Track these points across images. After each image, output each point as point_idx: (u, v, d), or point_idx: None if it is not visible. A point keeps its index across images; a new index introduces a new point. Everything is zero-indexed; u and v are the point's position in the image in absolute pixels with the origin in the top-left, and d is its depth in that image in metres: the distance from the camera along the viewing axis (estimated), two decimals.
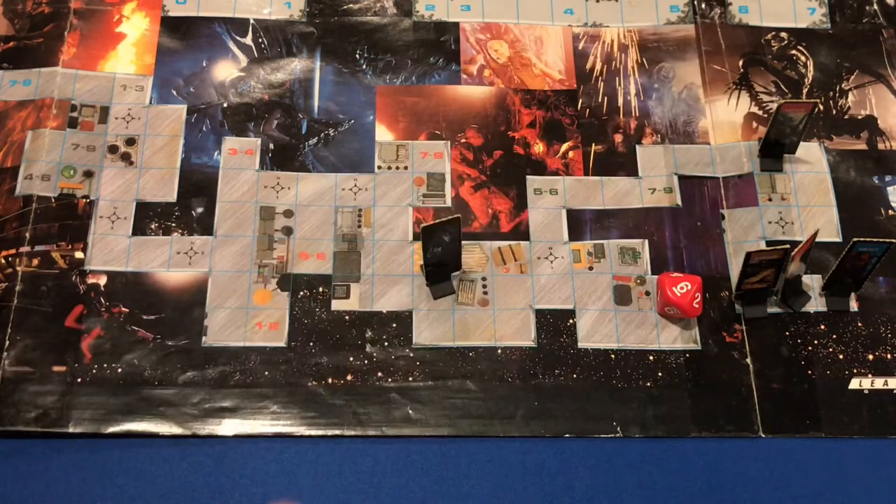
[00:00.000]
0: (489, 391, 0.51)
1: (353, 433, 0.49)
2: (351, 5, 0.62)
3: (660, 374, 0.51)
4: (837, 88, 0.61)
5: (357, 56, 0.60)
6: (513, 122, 0.59)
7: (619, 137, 0.59)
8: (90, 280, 0.52)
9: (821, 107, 0.53)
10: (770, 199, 0.56)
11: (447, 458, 0.49)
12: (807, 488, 0.49)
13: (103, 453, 0.48)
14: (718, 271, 0.54)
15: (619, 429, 0.50)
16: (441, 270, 0.53)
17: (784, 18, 0.63)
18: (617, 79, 0.61)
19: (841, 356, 0.52)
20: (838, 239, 0.55)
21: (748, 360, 0.52)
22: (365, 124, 0.58)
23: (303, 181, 0.56)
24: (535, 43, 0.62)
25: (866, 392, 0.51)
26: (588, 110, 0.59)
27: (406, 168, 0.57)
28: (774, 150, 0.56)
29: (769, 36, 0.62)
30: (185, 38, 0.60)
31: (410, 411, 0.50)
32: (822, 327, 0.53)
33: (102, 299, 0.52)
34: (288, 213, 0.55)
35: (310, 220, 0.55)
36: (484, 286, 0.53)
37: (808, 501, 0.49)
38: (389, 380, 0.51)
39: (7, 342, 0.50)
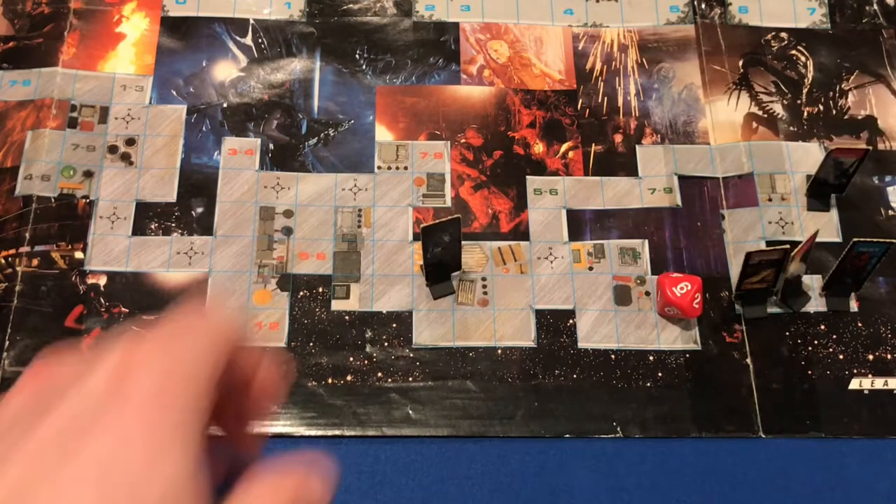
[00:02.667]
0: (489, 391, 0.51)
1: (352, 433, 0.49)
2: (351, 5, 0.62)
3: (660, 374, 0.51)
4: (837, 88, 0.61)
5: (357, 56, 0.60)
6: (513, 122, 0.59)
7: (619, 137, 0.59)
8: (90, 280, 0.52)
9: (866, 144, 0.53)
10: (770, 199, 0.56)
11: (447, 458, 0.49)
12: (807, 488, 0.49)
13: None
14: (718, 271, 0.54)
15: (619, 429, 0.50)
16: (441, 270, 0.53)
17: (784, 18, 0.63)
18: (617, 79, 0.61)
19: (841, 356, 0.52)
20: (838, 239, 0.55)
21: (748, 360, 0.52)
22: (365, 124, 0.58)
23: (303, 181, 0.56)
24: (535, 43, 0.62)
25: (866, 392, 0.51)
26: (588, 110, 0.59)
27: (406, 168, 0.57)
28: (822, 191, 0.56)
29: (769, 36, 0.62)
30: (185, 38, 0.60)
31: (410, 411, 0.50)
32: (822, 327, 0.53)
33: (102, 299, 0.52)
34: (288, 213, 0.55)
35: (310, 220, 0.55)
36: (484, 286, 0.53)
37: (808, 501, 0.48)
38: (389, 380, 0.51)
39: (7, 342, 0.50)
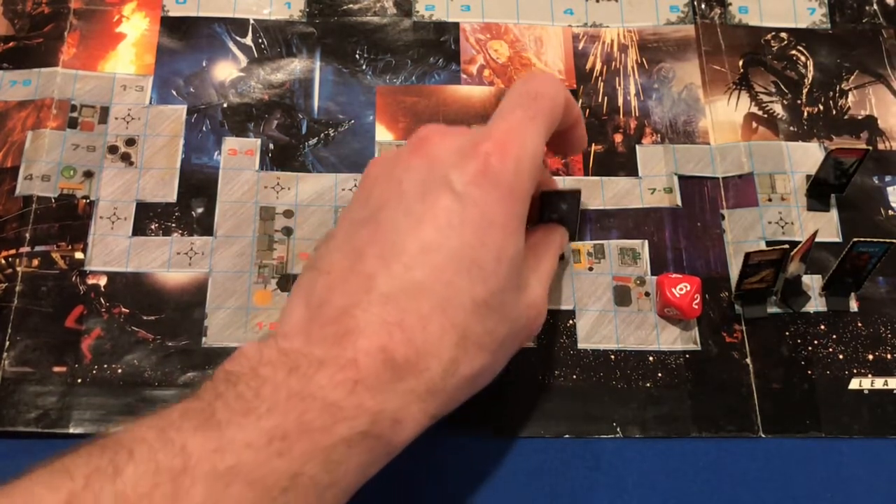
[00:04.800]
0: (489, 391, 0.50)
1: None
2: (351, 5, 0.62)
3: (660, 374, 0.51)
4: (837, 88, 0.61)
5: (357, 56, 0.60)
6: None
7: (619, 137, 0.59)
8: (90, 280, 0.52)
9: (868, 148, 0.53)
10: (770, 200, 0.56)
11: (447, 459, 0.49)
12: (807, 488, 0.49)
13: None
14: (718, 272, 0.54)
15: (619, 429, 0.50)
16: None
17: (784, 18, 0.63)
18: (617, 79, 0.61)
19: (841, 356, 0.52)
20: (838, 239, 0.55)
21: (748, 360, 0.52)
22: (365, 124, 0.58)
23: (303, 181, 0.56)
24: (535, 43, 0.62)
25: (866, 392, 0.51)
26: (588, 110, 0.59)
27: None
28: (822, 191, 0.56)
29: (769, 36, 0.62)
30: (185, 38, 0.60)
31: None
32: (822, 327, 0.53)
33: (102, 300, 0.52)
34: (288, 214, 0.55)
35: (310, 220, 0.55)
36: None
37: (808, 501, 0.49)
38: None
39: (7, 342, 0.50)
